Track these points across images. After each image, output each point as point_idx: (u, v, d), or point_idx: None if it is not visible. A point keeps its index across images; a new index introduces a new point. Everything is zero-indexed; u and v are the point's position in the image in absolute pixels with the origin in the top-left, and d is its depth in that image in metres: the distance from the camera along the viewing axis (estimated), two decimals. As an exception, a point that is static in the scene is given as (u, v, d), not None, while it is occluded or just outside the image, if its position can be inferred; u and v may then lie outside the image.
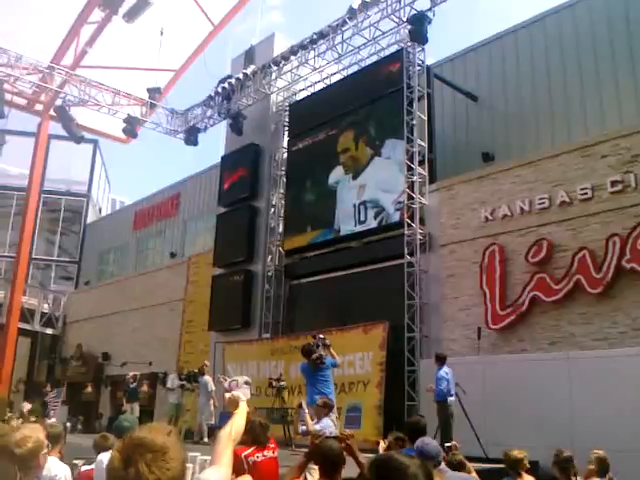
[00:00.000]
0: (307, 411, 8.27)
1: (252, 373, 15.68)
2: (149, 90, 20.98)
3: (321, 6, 63.20)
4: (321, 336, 10.27)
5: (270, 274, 17.42)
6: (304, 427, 8.15)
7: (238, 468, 4.55)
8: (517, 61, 15.10)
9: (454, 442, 8.02)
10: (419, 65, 14.77)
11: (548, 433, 9.17)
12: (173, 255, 23.42)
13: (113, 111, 20.57)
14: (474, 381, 10.39)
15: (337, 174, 16.12)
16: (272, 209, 18.14)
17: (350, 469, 3.99)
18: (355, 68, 16.83)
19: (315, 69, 17.42)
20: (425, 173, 14.09)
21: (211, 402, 14.17)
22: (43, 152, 24.15)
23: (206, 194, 22.90)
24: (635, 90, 13.11)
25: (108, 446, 4.82)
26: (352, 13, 15.33)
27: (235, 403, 2.98)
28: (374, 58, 16.18)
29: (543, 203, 11.95)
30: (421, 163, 14.10)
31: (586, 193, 11.39)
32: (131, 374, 16.69)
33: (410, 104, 14.39)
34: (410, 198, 13.88)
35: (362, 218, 15.12)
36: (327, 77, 17.79)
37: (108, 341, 23.17)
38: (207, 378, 14.42)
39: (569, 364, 10.11)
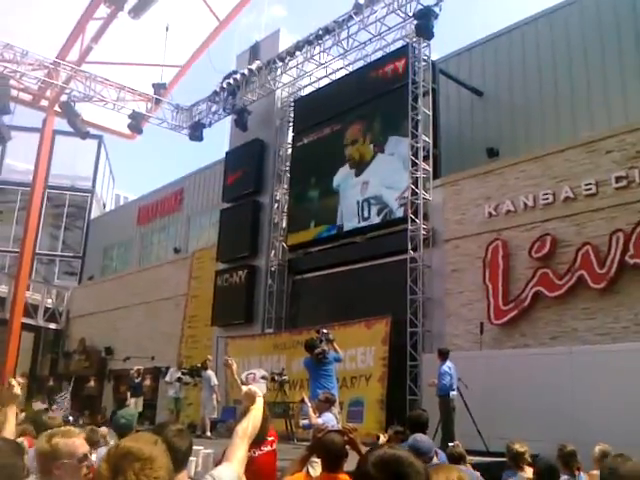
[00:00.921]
0: (310, 405, 8.28)
1: (254, 368, 15.70)
2: (154, 86, 21.00)
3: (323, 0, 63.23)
4: (324, 331, 10.30)
5: (273, 269, 17.44)
6: (306, 421, 8.17)
7: None
8: (523, 56, 15.06)
9: (457, 442, 8.04)
10: (424, 60, 14.74)
11: (550, 427, 9.15)
12: (177, 250, 23.45)
13: (118, 107, 20.59)
14: (476, 376, 10.37)
15: (340, 176, 16.09)
16: (276, 204, 18.15)
17: (352, 463, 3.99)
18: (360, 64, 16.81)
19: (320, 65, 17.41)
20: (429, 169, 14.08)
21: (214, 396, 14.18)
22: (48, 148, 24.17)
23: (210, 189, 22.92)
24: (641, 86, 13.07)
25: (96, 440, 4.83)
26: (358, 8, 15.32)
27: (252, 397, 2.94)
28: (379, 54, 16.16)
29: (547, 198, 11.92)
30: (426, 158, 14.09)
31: (590, 189, 11.36)
32: (135, 369, 16.71)
33: (415, 99, 14.37)
34: (414, 194, 13.86)
35: (366, 215, 15.12)
36: (332, 72, 17.77)
37: (111, 336, 23.22)
38: (210, 373, 14.43)
39: (571, 359, 10.09)
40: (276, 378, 13.58)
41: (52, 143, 25.36)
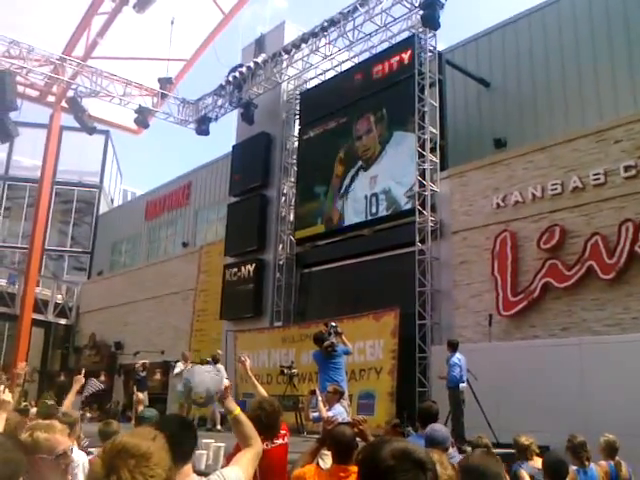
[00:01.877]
0: (320, 398, 8.29)
1: (263, 361, 15.76)
2: (160, 80, 20.98)
3: (324, -9, 62.85)
4: (333, 324, 10.29)
5: (281, 263, 17.45)
6: (316, 414, 8.17)
7: None
8: (530, 46, 14.95)
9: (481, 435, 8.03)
10: (430, 51, 14.66)
11: (560, 419, 9.13)
12: (185, 245, 23.52)
13: (124, 102, 20.60)
14: (485, 368, 10.33)
15: (347, 179, 16.08)
16: (283, 198, 18.15)
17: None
18: (366, 55, 16.73)
19: (326, 57, 17.34)
20: (437, 160, 14.02)
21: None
22: (55, 143, 24.26)
23: (217, 184, 22.94)
24: (650, 74, 12.96)
25: (111, 432, 4.83)
26: (364, -1, 15.24)
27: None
28: (385, 45, 16.07)
29: (556, 189, 11.86)
30: (433, 150, 14.04)
31: (599, 178, 11.29)
32: (140, 362, 16.75)
33: (422, 91, 14.30)
34: (421, 185, 13.82)
35: (374, 210, 15.08)
36: (338, 65, 17.70)
37: (121, 330, 23.34)
38: (220, 366, 14.46)
39: (581, 350, 10.06)
40: (285, 371, 13.60)
41: (59, 139, 25.46)
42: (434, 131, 14.12)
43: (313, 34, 16.66)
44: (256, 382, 5.89)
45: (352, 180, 15.88)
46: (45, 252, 27.58)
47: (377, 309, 13.50)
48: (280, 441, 4.80)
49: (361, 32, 16.00)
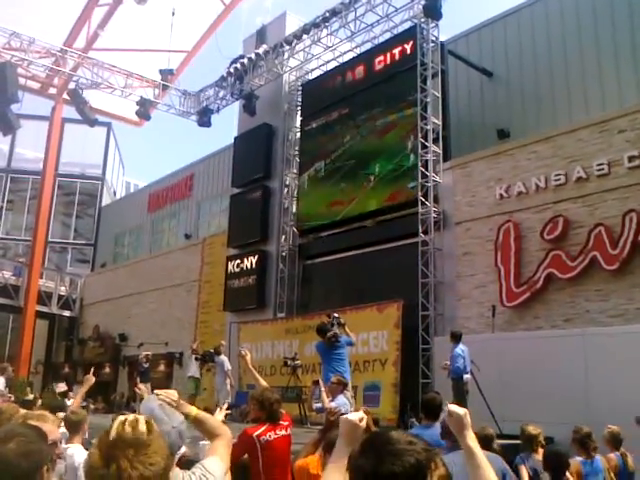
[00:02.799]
0: (323, 388, 8.31)
1: (267, 352, 15.82)
2: (161, 72, 20.92)
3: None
4: (336, 315, 10.31)
5: (284, 254, 17.46)
6: (319, 404, 8.20)
7: (251, 448, 4.57)
8: (532, 35, 14.86)
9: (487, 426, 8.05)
10: (433, 42, 14.59)
11: (563, 409, 9.14)
12: (188, 236, 23.54)
13: (126, 93, 20.56)
14: (489, 358, 10.35)
15: (349, 170, 16.05)
16: (285, 189, 18.13)
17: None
18: (368, 46, 16.65)
19: (328, 47, 17.27)
20: (439, 151, 13.99)
21: (228, 381, 14.24)
22: (57, 136, 24.23)
23: (219, 175, 22.93)
24: (653, 63, 12.88)
25: None
26: (364, -11, 15.14)
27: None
28: (387, 35, 16.00)
29: (559, 179, 11.83)
30: (435, 141, 14.00)
31: (603, 169, 11.26)
32: (143, 354, 16.82)
33: (424, 81, 14.25)
34: (424, 176, 13.79)
35: (376, 201, 15.05)
36: (340, 55, 17.64)
37: (125, 322, 23.41)
38: (223, 358, 14.50)
39: (585, 341, 10.05)
40: (289, 363, 13.64)
41: (61, 131, 25.40)
42: (437, 122, 14.07)
43: (314, 25, 16.58)
44: (257, 375, 5.93)
45: (354, 171, 15.85)
46: (48, 244, 27.64)
47: (380, 300, 13.52)
48: (283, 432, 4.83)
49: (363, 22, 15.93)
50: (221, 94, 20.24)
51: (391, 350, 12.89)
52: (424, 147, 13.90)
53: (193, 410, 2.57)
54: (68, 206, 31.92)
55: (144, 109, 20.56)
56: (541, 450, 5.74)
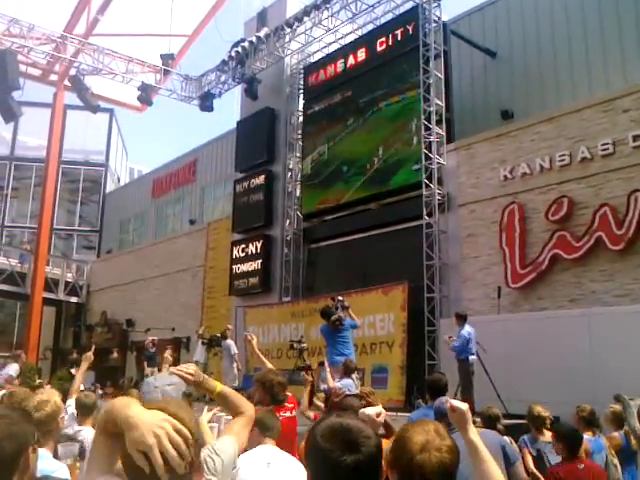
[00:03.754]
0: (328, 370, 8.39)
1: (273, 336, 15.91)
2: (162, 56, 20.83)
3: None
4: (340, 298, 10.38)
5: (289, 238, 17.49)
6: (325, 385, 8.28)
7: None
8: (536, 15, 14.71)
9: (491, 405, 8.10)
10: (435, 22, 14.45)
11: (569, 389, 9.19)
12: (192, 222, 23.57)
13: (127, 79, 20.48)
14: (494, 340, 10.40)
15: (353, 153, 15.99)
16: (289, 173, 18.12)
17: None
18: (370, 27, 16.53)
19: (329, 30, 17.14)
20: (443, 133, 13.93)
21: (234, 365, 14.36)
22: (60, 123, 24.16)
23: (223, 160, 22.90)
24: (658, 41, 12.75)
25: None
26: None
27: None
28: (389, 16, 15.86)
29: (563, 160, 11.78)
30: (439, 123, 13.93)
31: (607, 148, 11.20)
32: (150, 339, 16.95)
33: (426, 62, 14.14)
34: (428, 159, 13.75)
35: (380, 184, 15.03)
36: (341, 37, 17.51)
37: (132, 308, 23.54)
38: (230, 342, 14.59)
39: (590, 321, 10.08)
40: (295, 346, 13.70)
41: (64, 118, 25.32)
42: (440, 103, 13.99)
43: (315, 6, 16.46)
44: (263, 358, 5.99)
45: (358, 153, 15.81)
46: (54, 231, 27.73)
47: (385, 283, 13.57)
48: (288, 414, 4.89)
49: (364, 3, 15.80)
50: (223, 78, 20.15)
51: (397, 332, 12.96)
52: (427, 129, 13.84)
53: (217, 386, 2.56)
54: (72, 193, 31.97)
55: (146, 94, 20.50)
56: (547, 432, 5.78)
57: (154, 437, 1.43)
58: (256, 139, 18.76)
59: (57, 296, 25.72)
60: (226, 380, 14.30)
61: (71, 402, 5.22)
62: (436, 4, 14.48)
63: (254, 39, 18.24)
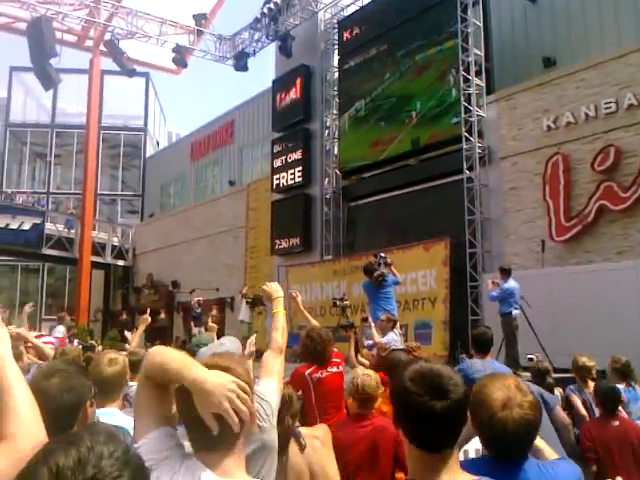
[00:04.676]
0: (373, 326, 8.47)
1: (316, 294, 16.07)
2: (195, 17, 20.70)
3: None
4: (382, 255, 10.38)
5: (328, 197, 17.48)
6: (370, 341, 8.37)
7: (303, 385, 4.70)
8: (579, -46, 14.02)
9: (537, 354, 8.10)
10: (472, -33, 13.94)
11: (616, 343, 9.07)
12: (232, 183, 23.71)
13: (161, 41, 20.49)
14: (539, 294, 10.29)
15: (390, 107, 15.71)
16: (326, 131, 17.98)
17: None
18: (405, -24, 16.02)
19: (363, -19, 16.72)
20: (482, 84, 13.59)
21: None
22: (98, 88, 24.42)
23: (260, 120, 22.82)
24: None
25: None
26: None
27: (269, 295, 2.90)
28: (424, -36, 15.33)
29: (609, 107, 11.38)
30: (478, 73, 13.58)
31: (656, 94, 10.77)
32: (195, 299, 17.33)
33: (464, 10, 13.72)
34: (467, 111, 13.47)
35: (419, 139, 14.80)
36: (376, -12, 17.06)
37: (176, 270, 24.03)
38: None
39: (637, 273, 9.88)
40: (338, 303, 13.83)
41: (101, 83, 25.55)
42: (479, 53, 13.61)
43: (349, -43, 16.03)
44: (308, 315, 6.03)
45: (395, 109, 15.57)
46: (98, 197, 28.26)
47: (427, 239, 13.51)
48: (334, 369, 4.90)
49: (399, -48, 15.31)
50: (256, 36, 19.96)
51: (440, 288, 12.96)
52: (466, 81, 13.51)
53: (280, 310, 2.74)
54: (114, 158, 32.44)
55: (180, 56, 20.48)
56: (590, 383, 5.76)
57: (228, 401, 1.47)
58: (292, 97, 18.62)
59: (105, 260, 26.40)
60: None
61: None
62: (473, -51, 13.94)
63: (286, -6, 17.94)
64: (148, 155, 31.77)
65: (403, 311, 12.47)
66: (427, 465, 1.60)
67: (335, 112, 17.82)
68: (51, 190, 32.03)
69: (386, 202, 15.91)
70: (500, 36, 14.55)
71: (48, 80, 18.70)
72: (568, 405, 5.70)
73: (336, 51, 18.17)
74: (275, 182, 19.08)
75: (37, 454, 1.04)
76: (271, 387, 2.33)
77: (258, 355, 2.96)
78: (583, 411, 5.56)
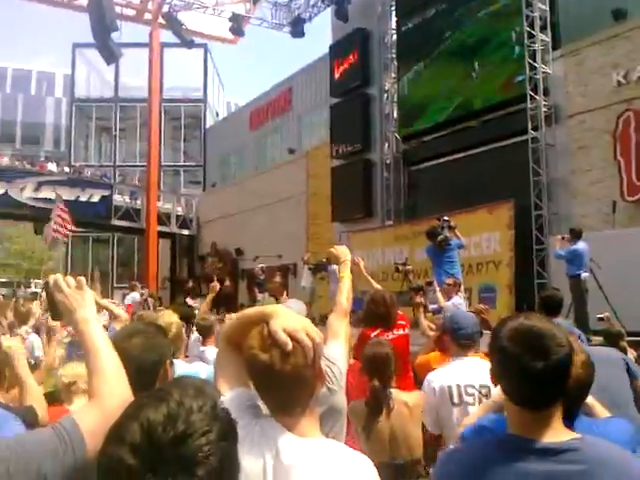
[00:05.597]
0: (438, 289, 8.48)
1: (377, 259, 16.10)
2: (251, -16, 20.66)
3: None
4: (446, 218, 10.29)
5: (388, 162, 17.34)
6: (435, 305, 8.39)
7: None
8: None
9: (607, 314, 7.91)
10: None
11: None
12: (291, 151, 23.78)
13: (218, 11, 20.59)
14: (610, 256, 9.99)
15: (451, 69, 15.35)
16: (385, 95, 17.75)
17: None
18: None
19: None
20: (548, 39, 13.10)
21: (341, 289, 14.74)
22: (158, 61, 24.81)
23: (318, 86, 22.69)
24: None
25: None
26: None
27: (336, 257, 2.89)
28: None
29: (685, 59, 10.80)
30: (543, 28, 13.09)
31: None
32: (259, 267, 17.69)
33: (528, -38, 13.17)
34: (532, 68, 13.03)
35: (480, 99, 14.45)
36: (434, -55, 16.53)
37: (240, 238, 24.44)
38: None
39: None
40: (400, 268, 13.83)
41: (161, 56, 25.92)
42: (543, 7, 13.10)
43: None
44: (371, 279, 6.08)
45: (455, 69, 15.21)
46: (162, 168, 28.92)
47: (490, 202, 13.28)
48: (400, 331, 4.94)
49: None
50: (312, 1, 19.78)
51: (504, 251, 12.77)
52: (531, 36, 13.04)
53: (347, 275, 2.78)
54: (175, 130, 33.02)
55: (237, 25, 20.55)
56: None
57: (300, 325, 1.52)
58: (350, 62, 18.44)
59: (170, 229, 27.12)
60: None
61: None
62: None
63: (341, -45, 17.64)
64: (208, 126, 32.17)
65: (467, 275, 12.35)
66: (527, 422, 1.57)
67: (394, 76, 17.56)
68: (117, 163, 32.97)
69: (447, 165, 15.68)
70: (566, -12, 13.93)
71: (110, 54, 19.10)
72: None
73: (394, 13, 17.80)
74: (334, 148, 19.06)
75: (128, 409, 1.07)
76: (339, 350, 2.30)
77: (323, 319, 3.05)
78: None
